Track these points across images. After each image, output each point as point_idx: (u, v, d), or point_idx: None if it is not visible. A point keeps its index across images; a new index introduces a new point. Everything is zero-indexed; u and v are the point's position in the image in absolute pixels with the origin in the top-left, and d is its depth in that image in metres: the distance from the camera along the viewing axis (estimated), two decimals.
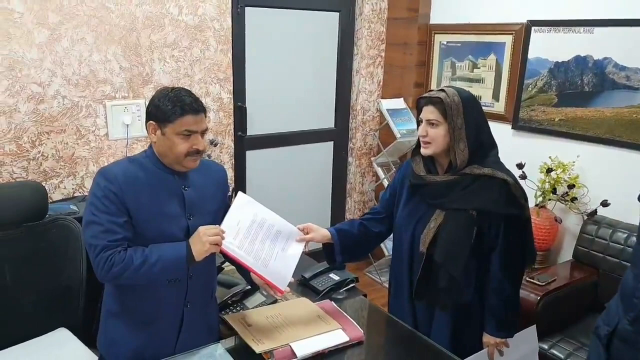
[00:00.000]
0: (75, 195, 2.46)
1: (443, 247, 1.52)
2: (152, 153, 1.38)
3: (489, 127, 1.59)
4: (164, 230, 1.34)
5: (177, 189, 1.38)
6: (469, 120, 1.50)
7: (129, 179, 1.32)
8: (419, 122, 1.58)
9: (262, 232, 1.47)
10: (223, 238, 1.34)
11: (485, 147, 1.55)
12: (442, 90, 1.54)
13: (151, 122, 1.34)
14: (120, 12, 2.38)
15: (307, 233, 1.59)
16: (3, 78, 2.17)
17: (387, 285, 3.29)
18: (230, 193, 1.64)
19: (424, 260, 1.56)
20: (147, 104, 1.38)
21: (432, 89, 1.61)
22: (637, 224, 1.42)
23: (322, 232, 1.63)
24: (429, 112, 1.52)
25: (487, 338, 1.60)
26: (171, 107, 1.30)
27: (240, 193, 1.50)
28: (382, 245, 3.44)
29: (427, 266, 1.56)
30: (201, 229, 1.32)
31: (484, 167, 1.51)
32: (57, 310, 1.81)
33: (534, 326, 1.74)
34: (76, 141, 2.42)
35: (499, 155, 1.60)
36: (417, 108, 1.58)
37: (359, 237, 1.71)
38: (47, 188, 2.15)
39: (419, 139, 1.60)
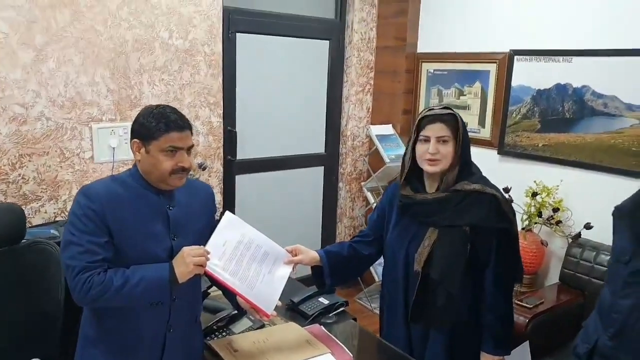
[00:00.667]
0: (57, 219, 2.40)
1: (439, 264, 1.51)
2: (136, 171, 1.35)
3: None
4: (147, 251, 1.29)
5: (162, 208, 1.34)
6: (464, 138, 1.53)
7: (111, 198, 1.28)
8: (417, 141, 1.55)
9: (249, 254, 1.44)
10: (208, 259, 1.30)
11: (469, 163, 1.57)
12: (445, 107, 1.56)
13: (135, 140, 1.32)
14: (110, 34, 2.39)
15: (296, 255, 1.56)
16: None
17: (377, 312, 3.26)
18: (218, 217, 1.61)
19: (419, 279, 1.54)
20: None
21: (432, 107, 1.60)
22: None
23: (310, 254, 1.61)
24: (439, 129, 1.51)
25: (485, 357, 1.58)
26: (155, 123, 1.28)
27: (227, 213, 1.47)
28: (372, 271, 3.41)
29: (423, 285, 1.54)
30: (185, 249, 1.28)
31: (472, 182, 1.53)
32: (32, 340, 1.71)
33: (527, 342, 1.75)
34: (59, 164, 2.38)
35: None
36: (419, 127, 1.55)
37: (349, 260, 1.68)
38: (27, 212, 2.10)
39: (404, 161, 1.59)
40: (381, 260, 3.50)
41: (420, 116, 1.56)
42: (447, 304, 1.51)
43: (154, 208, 1.33)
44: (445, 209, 1.52)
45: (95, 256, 1.23)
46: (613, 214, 1.42)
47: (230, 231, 1.43)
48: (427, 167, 1.54)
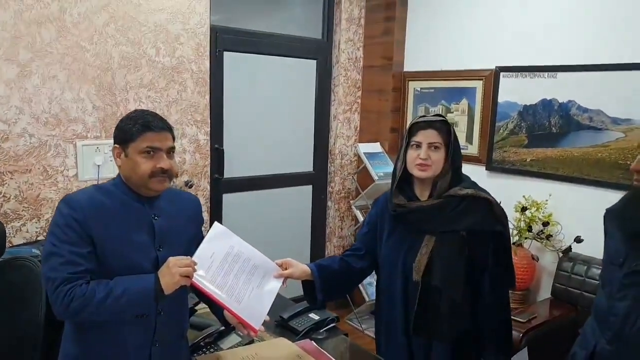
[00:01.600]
0: (39, 239, 2.32)
1: (440, 271, 1.48)
2: (120, 180, 1.32)
3: None
4: (132, 262, 1.25)
5: (147, 218, 1.31)
6: (455, 144, 1.54)
7: (94, 207, 1.24)
8: (408, 147, 1.55)
9: (238, 266, 1.39)
10: (195, 270, 1.26)
11: (459, 169, 1.58)
12: (437, 115, 1.57)
13: (115, 145, 1.30)
14: (96, 51, 2.37)
15: (286, 269, 1.52)
16: None
17: (369, 333, 3.20)
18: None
19: (420, 289, 1.50)
20: None
21: (424, 114, 1.61)
22: None
23: (301, 268, 1.56)
24: (431, 136, 1.51)
25: None
26: (132, 125, 1.27)
27: (216, 223, 1.43)
28: (362, 291, 3.35)
29: (424, 295, 1.50)
30: (171, 259, 1.24)
31: (465, 188, 1.52)
32: None
33: (525, 349, 1.71)
34: (42, 182, 2.32)
35: None
36: (409, 133, 1.56)
37: (341, 273, 1.64)
38: (7, 232, 2.03)
39: (395, 169, 1.58)
40: (371, 279, 3.44)
41: (411, 122, 1.57)
42: (450, 312, 1.48)
43: (138, 217, 1.30)
44: (442, 215, 1.51)
45: (77, 267, 1.18)
46: (604, 217, 1.42)
47: (218, 242, 1.38)
48: (417, 173, 1.53)
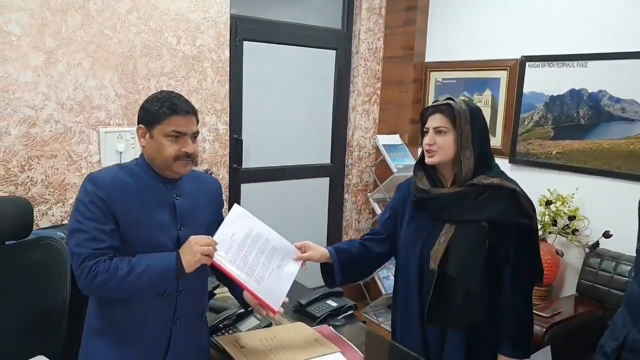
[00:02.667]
0: (64, 223, 2.36)
1: (456, 261, 1.45)
2: (143, 160, 1.34)
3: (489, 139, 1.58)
4: (153, 240, 1.26)
5: (168, 198, 1.32)
6: (475, 129, 1.48)
7: (118, 186, 1.26)
8: (423, 134, 1.55)
9: (257, 248, 1.40)
10: (215, 249, 1.27)
11: (488, 158, 1.53)
12: (449, 98, 1.53)
13: (140, 125, 1.31)
14: (119, 39, 2.40)
15: (305, 251, 1.52)
16: None
17: (385, 327, 3.17)
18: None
19: (435, 278, 1.47)
20: None
21: (437, 99, 1.59)
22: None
23: (320, 251, 1.56)
24: (436, 120, 1.49)
25: None
26: (159, 107, 1.27)
27: (236, 205, 1.44)
28: (379, 284, 3.33)
29: (439, 284, 1.47)
30: (192, 238, 1.25)
31: (490, 177, 1.48)
32: (36, 336, 1.67)
33: (548, 347, 1.65)
34: (67, 167, 2.36)
35: None
36: (422, 119, 1.56)
37: (359, 257, 1.62)
38: (34, 215, 2.07)
39: (422, 153, 1.56)
40: (388, 273, 3.40)
41: (423, 110, 1.57)
42: (465, 303, 1.45)
43: (160, 197, 1.31)
44: (463, 204, 1.47)
45: (101, 243, 1.21)
46: (639, 203, 1.37)
47: (238, 224, 1.39)
48: (426, 159, 1.52)
